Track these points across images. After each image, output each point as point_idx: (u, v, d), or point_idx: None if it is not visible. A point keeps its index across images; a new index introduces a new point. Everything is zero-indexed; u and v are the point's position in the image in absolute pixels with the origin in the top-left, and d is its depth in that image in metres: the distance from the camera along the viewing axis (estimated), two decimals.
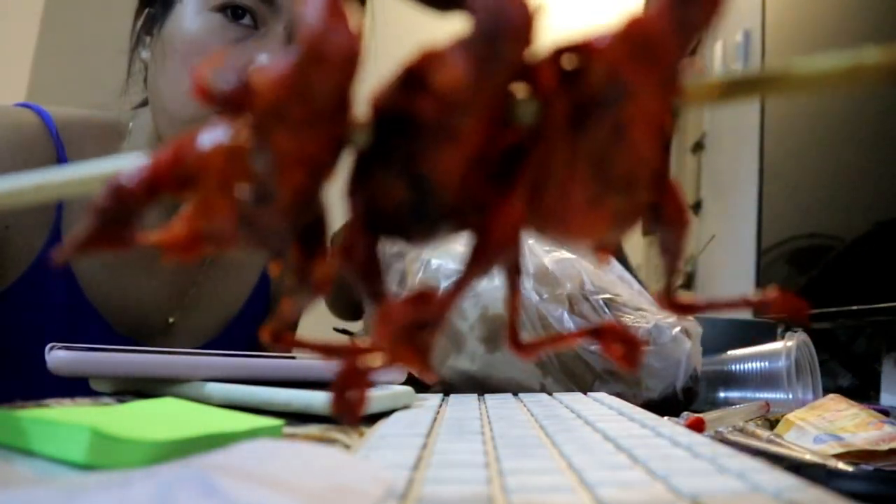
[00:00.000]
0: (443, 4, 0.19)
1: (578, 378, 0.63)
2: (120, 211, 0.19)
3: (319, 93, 0.18)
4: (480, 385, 0.62)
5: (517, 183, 0.19)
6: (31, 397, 0.46)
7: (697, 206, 1.81)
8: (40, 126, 0.64)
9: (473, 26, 0.18)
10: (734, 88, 0.19)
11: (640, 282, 0.73)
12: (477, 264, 0.20)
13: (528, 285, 0.63)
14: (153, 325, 0.68)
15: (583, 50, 0.19)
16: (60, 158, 0.64)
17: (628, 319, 0.64)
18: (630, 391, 0.63)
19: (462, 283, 0.21)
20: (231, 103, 0.20)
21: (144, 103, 0.69)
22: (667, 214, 0.21)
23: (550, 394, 0.59)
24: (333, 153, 0.19)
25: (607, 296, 0.64)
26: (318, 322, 0.97)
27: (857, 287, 0.71)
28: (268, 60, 0.61)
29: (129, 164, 0.21)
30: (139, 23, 0.68)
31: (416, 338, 0.20)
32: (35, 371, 0.51)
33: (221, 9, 0.61)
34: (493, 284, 0.62)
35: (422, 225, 0.20)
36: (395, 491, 0.24)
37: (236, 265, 0.74)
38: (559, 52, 0.19)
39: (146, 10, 0.67)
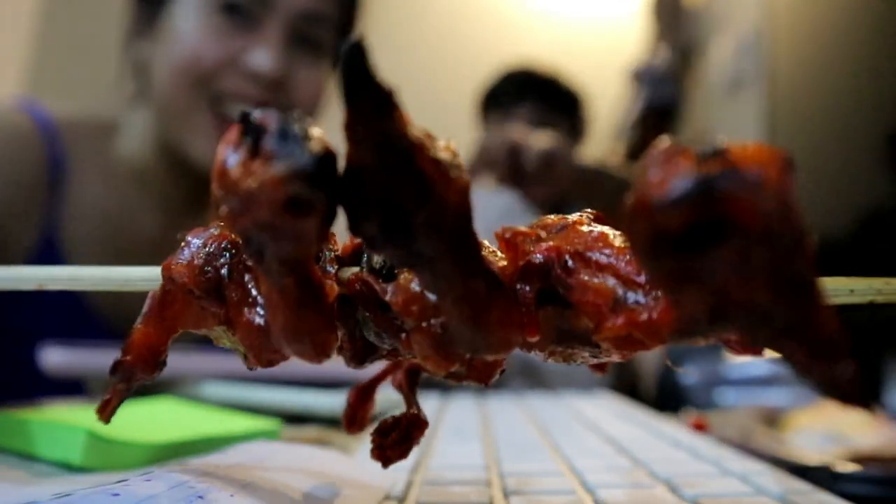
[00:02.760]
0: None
1: None
2: (134, 382, 0.21)
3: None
4: None
5: None
6: (27, 398, 0.45)
7: None
8: (30, 128, 0.64)
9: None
10: None
11: None
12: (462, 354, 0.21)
13: None
14: None
15: (583, 309, 0.18)
16: (51, 159, 0.64)
17: None
18: (534, 388, 0.64)
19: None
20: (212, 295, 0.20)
21: (135, 99, 0.69)
22: None
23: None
24: None
25: None
26: None
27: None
28: (263, 56, 0.61)
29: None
30: (131, 20, 0.68)
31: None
32: (30, 371, 0.51)
33: (215, 7, 0.62)
34: None
35: None
36: (393, 493, 0.24)
37: None
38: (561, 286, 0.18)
39: (139, 8, 0.67)
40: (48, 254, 0.63)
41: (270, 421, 0.35)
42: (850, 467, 0.28)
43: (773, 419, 0.51)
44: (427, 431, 0.36)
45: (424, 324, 0.18)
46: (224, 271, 0.19)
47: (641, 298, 0.17)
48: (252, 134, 0.16)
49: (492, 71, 1.19)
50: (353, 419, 0.25)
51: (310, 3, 0.64)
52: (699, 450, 0.31)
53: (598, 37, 1.93)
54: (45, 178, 0.64)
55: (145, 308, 0.21)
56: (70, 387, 0.53)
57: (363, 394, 0.25)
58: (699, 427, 0.43)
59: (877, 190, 0.72)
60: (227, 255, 0.19)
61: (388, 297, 0.18)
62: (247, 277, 0.19)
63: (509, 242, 0.19)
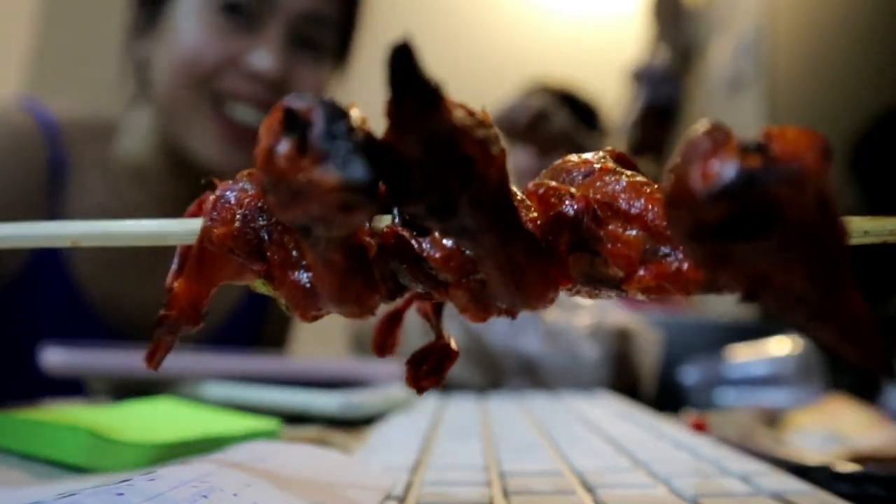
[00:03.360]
0: None
1: (494, 372, 0.65)
2: (179, 334, 0.22)
3: None
4: None
5: None
6: (27, 398, 0.45)
7: None
8: (31, 127, 0.64)
9: None
10: None
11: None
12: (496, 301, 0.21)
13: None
14: (149, 324, 0.67)
15: (614, 261, 0.18)
16: (52, 158, 0.64)
17: (551, 315, 0.67)
18: (534, 387, 0.65)
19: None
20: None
21: (135, 99, 0.69)
22: None
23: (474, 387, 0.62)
24: None
25: None
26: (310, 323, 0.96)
27: (861, 285, 0.70)
28: (264, 56, 0.61)
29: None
30: (132, 19, 0.68)
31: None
32: (31, 371, 0.51)
33: (216, 7, 0.62)
34: None
35: None
36: (393, 493, 0.24)
37: None
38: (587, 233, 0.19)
39: (139, 7, 0.67)
40: (49, 253, 0.63)
41: (270, 421, 0.35)
42: (850, 467, 0.28)
43: (773, 419, 0.51)
44: (427, 431, 0.36)
45: (463, 279, 0.18)
46: (264, 233, 0.20)
47: (671, 251, 0.18)
48: (297, 129, 0.16)
49: (492, 73, 1.20)
50: (383, 346, 0.25)
51: (311, 3, 0.64)
52: (699, 450, 0.31)
53: (598, 36, 1.93)
54: (45, 178, 0.64)
55: (177, 260, 0.22)
56: (70, 387, 0.53)
57: (391, 321, 0.25)
58: (699, 427, 0.43)
59: (878, 188, 0.72)
60: (265, 216, 0.20)
61: (425, 254, 0.18)
62: (286, 238, 0.19)
63: (541, 198, 0.19)
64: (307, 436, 0.38)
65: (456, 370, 0.70)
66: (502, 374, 0.65)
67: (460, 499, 0.23)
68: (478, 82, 1.22)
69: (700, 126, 0.15)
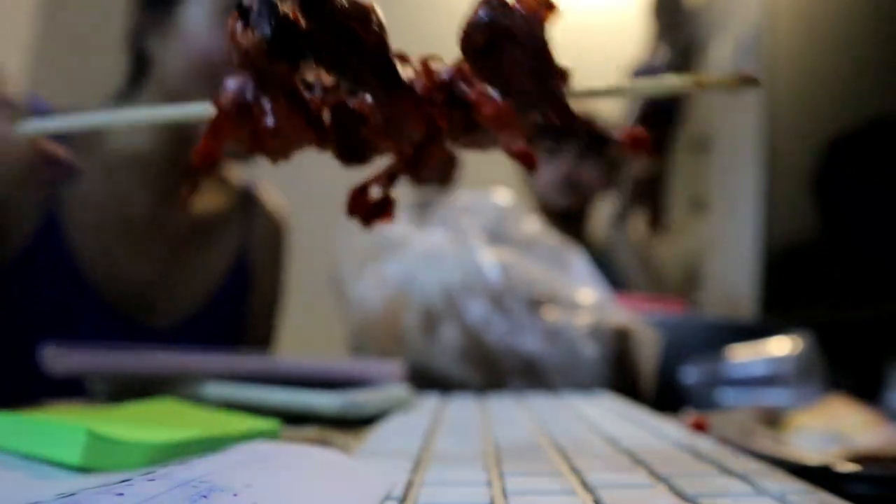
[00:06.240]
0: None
1: (494, 372, 0.65)
2: (200, 179, 0.32)
3: None
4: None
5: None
6: (27, 398, 0.45)
7: (701, 207, 1.81)
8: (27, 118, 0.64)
9: None
10: None
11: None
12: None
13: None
14: (143, 299, 0.68)
15: (477, 108, 0.29)
16: None
17: (551, 314, 0.67)
18: (534, 387, 0.65)
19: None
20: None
21: (128, 90, 0.69)
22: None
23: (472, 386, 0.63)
24: None
25: (537, 291, 0.66)
26: (310, 323, 0.96)
27: (862, 285, 0.70)
28: None
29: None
30: (139, 14, 0.68)
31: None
32: (31, 371, 0.51)
33: (228, 8, 0.62)
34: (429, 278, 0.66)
35: None
36: (393, 494, 0.24)
37: (214, 236, 0.74)
38: None
39: (148, 3, 0.67)
40: (51, 237, 0.64)
41: (270, 421, 0.35)
42: (850, 467, 0.28)
43: (773, 419, 0.51)
44: (427, 431, 0.36)
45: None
46: (249, 97, 0.29)
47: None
48: (244, 14, 0.26)
49: None
50: (354, 212, 0.33)
51: None
52: (699, 450, 0.31)
53: (598, 35, 1.93)
54: None
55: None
56: (70, 387, 0.53)
57: (361, 190, 0.33)
58: (699, 427, 0.43)
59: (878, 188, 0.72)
60: (251, 87, 0.30)
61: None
62: (262, 99, 0.29)
63: (425, 68, 0.29)
64: (307, 436, 0.38)
65: (456, 370, 0.70)
66: (502, 374, 0.65)
67: (460, 499, 0.23)
68: None
69: None
